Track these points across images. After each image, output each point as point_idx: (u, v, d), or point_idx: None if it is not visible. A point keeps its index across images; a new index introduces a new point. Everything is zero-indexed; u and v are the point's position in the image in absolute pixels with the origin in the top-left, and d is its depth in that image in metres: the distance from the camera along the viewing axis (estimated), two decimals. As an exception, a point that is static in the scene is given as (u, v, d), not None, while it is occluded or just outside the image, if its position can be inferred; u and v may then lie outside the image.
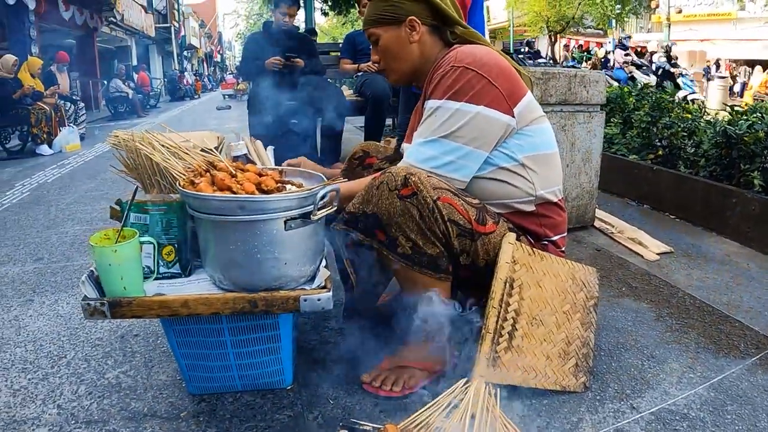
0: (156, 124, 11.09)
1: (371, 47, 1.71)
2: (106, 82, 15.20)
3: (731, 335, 1.93)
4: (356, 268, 1.62)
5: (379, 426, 1.36)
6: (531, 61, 14.26)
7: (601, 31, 25.21)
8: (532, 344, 1.53)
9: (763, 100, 8.93)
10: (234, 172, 1.46)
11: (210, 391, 1.60)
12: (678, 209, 3.44)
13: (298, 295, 1.38)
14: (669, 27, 21.55)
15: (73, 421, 1.51)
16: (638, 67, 12.14)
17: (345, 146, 4.73)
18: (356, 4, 4.95)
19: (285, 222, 1.34)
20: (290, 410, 1.52)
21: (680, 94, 10.50)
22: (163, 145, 1.57)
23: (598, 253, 2.79)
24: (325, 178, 1.58)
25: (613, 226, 3.17)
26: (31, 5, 11.33)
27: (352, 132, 7.43)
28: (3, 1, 10.27)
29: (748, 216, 2.91)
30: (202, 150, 1.59)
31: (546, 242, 1.64)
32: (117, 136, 1.63)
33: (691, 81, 11.49)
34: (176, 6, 31.70)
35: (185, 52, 35.30)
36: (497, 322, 1.47)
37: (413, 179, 1.40)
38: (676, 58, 12.40)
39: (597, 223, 3.22)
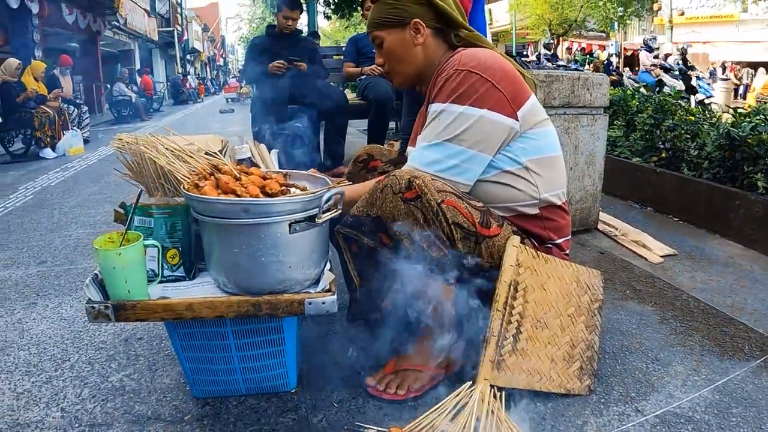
0: (159, 127, 11.12)
1: (375, 50, 1.71)
2: (109, 85, 15.24)
3: (736, 338, 1.92)
4: (360, 271, 1.62)
5: (384, 429, 1.36)
6: (551, 64, 13.91)
7: (603, 34, 25.22)
8: (536, 347, 1.53)
9: (766, 102, 8.88)
10: (238, 175, 1.46)
11: (214, 394, 1.60)
12: (681, 211, 3.44)
13: (302, 299, 1.38)
14: (671, 29, 21.57)
15: (76, 425, 1.51)
16: (666, 70, 11.35)
17: (348, 149, 4.73)
18: (360, 7, 4.96)
19: (289, 225, 1.34)
20: (294, 414, 1.52)
21: (697, 97, 10.34)
22: (167, 149, 1.57)
23: (601, 255, 2.78)
24: (329, 182, 1.58)
25: (616, 229, 3.16)
26: (35, 9, 11.37)
27: (356, 135, 7.44)
28: (6, 4, 10.30)
29: (751, 218, 2.90)
30: (207, 153, 1.60)
31: (550, 245, 1.64)
32: (121, 140, 1.63)
33: (708, 84, 11.08)
34: (179, 10, 31.82)
35: (188, 56, 35.39)
36: (501, 325, 1.47)
37: (417, 182, 1.40)
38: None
39: (600, 226, 3.21)
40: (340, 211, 1.43)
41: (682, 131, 3.81)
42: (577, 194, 3.07)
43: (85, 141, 8.63)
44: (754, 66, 18.14)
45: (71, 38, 15.89)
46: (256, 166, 1.83)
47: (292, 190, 1.51)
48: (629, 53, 22.58)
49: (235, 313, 1.38)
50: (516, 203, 1.56)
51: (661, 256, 2.76)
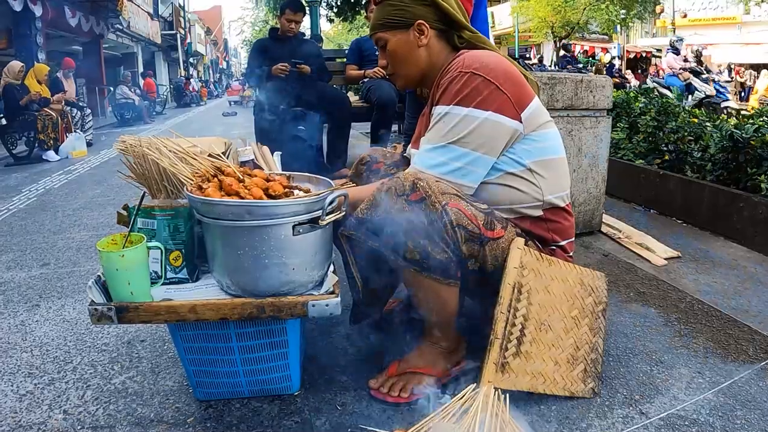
0: (163, 130, 11.14)
1: (378, 52, 1.71)
2: (112, 88, 15.27)
3: (740, 340, 1.91)
4: (364, 273, 1.61)
5: (387, 432, 1.36)
6: (571, 66, 13.58)
7: (606, 37, 25.21)
8: (540, 350, 1.52)
9: (769, 104, 8.79)
10: (242, 177, 1.46)
11: (217, 396, 1.59)
12: (685, 214, 3.43)
13: (306, 301, 1.38)
14: (674, 31, 21.55)
15: (79, 427, 1.51)
16: (696, 74, 10.56)
17: (351, 152, 4.74)
18: (364, 10, 4.97)
19: (293, 227, 1.34)
20: (298, 416, 1.51)
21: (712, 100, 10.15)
22: (170, 151, 1.57)
23: (605, 258, 2.78)
24: (333, 184, 1.58)
25: (620, 231, 3.16)
26: (38, 12, 11.40)
27: (359, 138, 7.44)
28: (10, 7, 10.33)
29: (755, 220, 2.90)
30: (210, 155, 1.60)
31: (554, 247, 1.63)
32: (124, 142, 1.63)
33: (724, 87, 10.71)
34: (182, 13, 31.86)
35: (191, 59, 35.47)
36: (505, 327, 1.46)
37: (421, 184, 1.40)
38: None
39: (604, 228, 3.21)
40: (343, 214, 1.43)
41: (686, 133, 3.81)
42: (581, 197, 3.07)
43: (88, 144, 8.65)
44: (757, 68, 18.11)
45: (74, 41, 15.93)
46: (260, 168, 1.83)
47: (296, 192, 1.51)
48: (632, 56, 22.60)
49: (238, 315, 1.38)
50: (519, 205, 1.56)
51: (665, 259, 2.75)
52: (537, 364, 1.51)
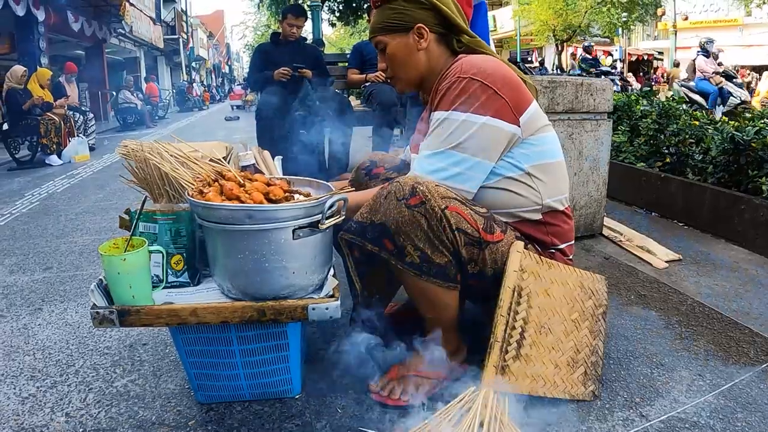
0: (165, 134, 11.17)
1: (378, 55, 1.71)
2: (114, 93, 15.31)
3: (741, 342, 1.91)
4: (363, 277, 1.62)
5: (388, 435, 1.36)
6: (594, 69, 12.44)
7: (607, 39, 25.21)
8: (540, 353, 1.52)
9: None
10: (242, 181, 1.47)
11: (218, 399, 1.60)
12: (686, 216, 3.43)
13: (306, 304, 1.39)
14: (675, 34, 21.54)
15: (81, 430, 1.51)
16: (729, 78, 9.78)
17: (353, 156, 4.74)
18: (365, 14, 4.98)
19: (293, 231, 1.35)
20: (299, 419, 1.52)
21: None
22: (172, 155, 1.58)
23: (606, 261, 2.78)
24: (332, 188, 1.59)
25: (621, 234, 3.16)
26: (41, 16, 11.43)
27: (360, 142, 7.43)
28: (13, 12, 10.37)
29: (756, 222, 2.90)
30: (211, 160, 1.61)
31: (553, 250, 1.64)
32: (126, 147, 1.64)
33: (742, 89, 10.18)
34: (184, 18, 31.94)
35: (193, 64, 35.56)
36: (505, 330, 1.46)
37: (421, 188, 1.41)
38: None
39: (605, 231, 3.21)
40: (343, 218, 1.43)
41: (687, 136, 3.81)
42: (582, 200, 3.07)
43: (91, 148, 8.67)
44: (758, 70, 18.09)
45: (77, 46, 15.99)
46: (260, 172, 1.84)
47: (296, 196, 1.52)
48: (633, 58, 22.59)
49: (239, 318, 1.38)
50: (519, 209, 1.56)
51: (666, 261, 2.75)
52: (537, 367, 1.51)
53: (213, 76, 46.91)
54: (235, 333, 1.48)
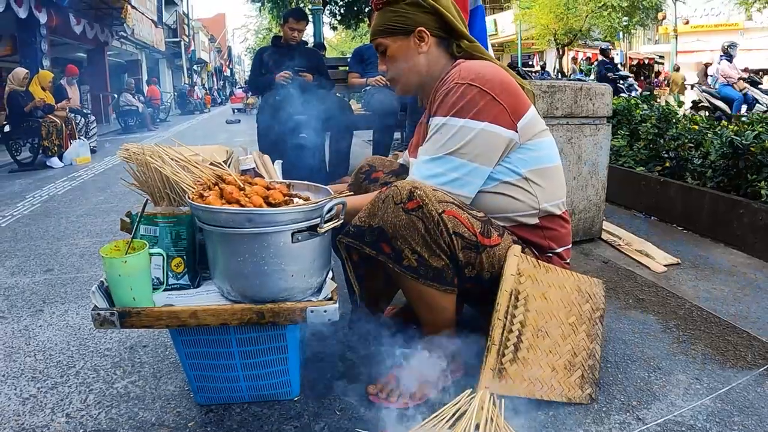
0: (166, 137, 11.18)
1: (378, 57, 1.73)
2: (116, 95, 15.35)
3: (738, 346, 1.92)
4: (362, 280, 1.63)
5: (385, 437, 1.37)
6: (612, 74, 11.51)
7: (608, 44, 25.24)
8: (537, 356, 1.53)
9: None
10: (242, 185, 1.48)
11: (217, 401, 1.61)
12: (685, 220, 3.44)
13: (304, 307, 1.40)
14: (676, 38, 21.57)
15: (81, 430, 1.52)
16: (754, 84, 9.39)
17: (353, 160, 4.76)
18: (367, 18, 5.00)
19: (292, 234, 1.36)
20: (297, 421, 1.53)
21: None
22: (172, 159, 1.59)
23: (605, 265, 2.79)
24: (331, 192, 1.60)
25: (620, 238, 3.17)
26: (43, 19, 11.48)
27: (361, 146, 7.46)
28: (15, 14, 10.40)
29: (755, 226, 2.91)
30: (211, 164, 1.62)
31: (551, 254, 1.65)
32: (128, 149, 1.66)
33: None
34: (186, 21, 32.02)
35: (195, 66, 35.61)
36: (503, 333, 1.47)
37: (418, 192, 1.42)
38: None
39: (604, 236, 3.22)
40: (341, 221, 1.44)
41: (686, 140, 3.82)
42: (581, 204, 3.08)
43: (92, 150, 8.70)
44: (759, 73, 18.12)
45: (79, 48, 16.04)
46: (260, 176, 1.85)
47: (295, 200, 1.53)
48: (634, 62, 22.60)
49: (238, 320, 1.39)
50: (516, 213, 1.57)
51: (665, 265, 2.76)
52: (534, 370, 1.52)
53: (214, 79, 47.00)
54: (235, 335, 1.49)
